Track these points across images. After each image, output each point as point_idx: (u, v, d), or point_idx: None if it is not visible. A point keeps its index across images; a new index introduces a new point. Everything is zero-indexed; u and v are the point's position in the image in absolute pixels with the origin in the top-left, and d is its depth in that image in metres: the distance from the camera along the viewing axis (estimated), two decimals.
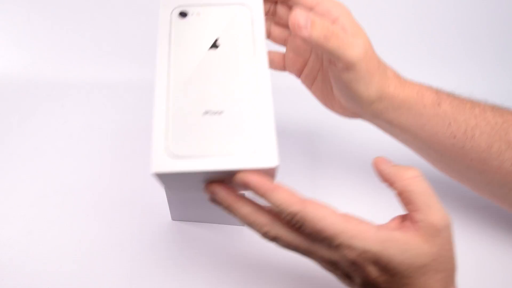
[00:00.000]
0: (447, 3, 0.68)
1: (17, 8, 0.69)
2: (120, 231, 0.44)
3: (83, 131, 0.58)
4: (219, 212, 0.43)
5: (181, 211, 0.44)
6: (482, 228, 0.46)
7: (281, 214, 0.27)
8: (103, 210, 0.46)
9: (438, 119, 0.36)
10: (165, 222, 0.45)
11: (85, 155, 0.54)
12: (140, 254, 0.41)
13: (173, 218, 0.45)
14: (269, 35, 0.39)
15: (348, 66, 0.32)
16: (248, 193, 0.30)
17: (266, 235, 0.28)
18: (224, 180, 0.28)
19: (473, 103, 0.37)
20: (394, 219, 0.29)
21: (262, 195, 0.27)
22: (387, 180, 0.29)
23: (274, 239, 0.28)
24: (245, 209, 0.28)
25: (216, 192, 0.28)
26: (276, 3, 0.37)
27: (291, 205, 0.26)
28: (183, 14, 0.33)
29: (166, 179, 0.28)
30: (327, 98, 0.40)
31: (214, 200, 0.29)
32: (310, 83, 0.40)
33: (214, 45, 0.31)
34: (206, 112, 0.28)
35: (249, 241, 0.43)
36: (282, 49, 0.39)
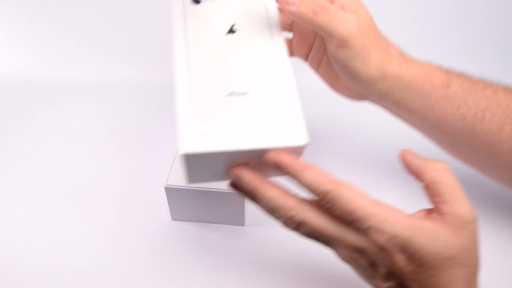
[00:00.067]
0: (446, 3, 0.68)
1: (18, 9, 0.69)
2: (120, 231, 0.44)
3: (83, 131, 0.58)
4: (219, 212, 0.43)
5: (181, 211, 0.44)
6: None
7: (312, 193, 0.26)
8: (103, 210, 0.46)
9: (447, 101, 0.35)
10: (165, 222, 0.45)
11: (85, 155, 0.54)
12: (140, 254, 0.41)
13: (173, 218, 0.45)
14: None
15: (342, 43, 0.32)
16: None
17: (292, 219, 0.27)
18: (248, 164, 0.28)
19: (484, 84, 0.36)
20: (420, 211, 0.28)
21: (293, 174, 0.27)
22: (414, 172, 0.28)
23: (299, 224, 0.27)
24: (273, 192, 0.27)
25: (241, 175, 0.28)
26: None
27: (324, 184, 0.26)
28: (196, 1, 0.34)
29: (194, 161, 0.27)
30: (332, 80, 0.39)
31: (237, 185, 0.29)
32: (316, 66, 0.40)
33: (231, 31, 0.32)
34: (231, 93, 0.29)
35: (249, 241, 0.43)
36: (288, 36, 0.39)
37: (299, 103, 0.29)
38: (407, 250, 0.25)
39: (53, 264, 0.40)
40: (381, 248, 0.26)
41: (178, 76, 0.29)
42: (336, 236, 0.27)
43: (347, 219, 0.26)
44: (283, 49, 0.32)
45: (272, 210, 0.28)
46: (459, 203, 0.26)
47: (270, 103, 0.28)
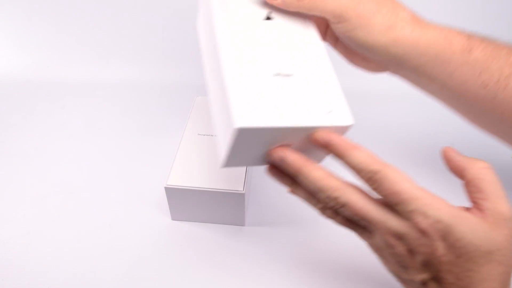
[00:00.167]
0: (446, 3, 0.68)
1: (18, 9, 0.69)
2: (120, 231, 0.44)
3: (83, 131, 0.58)
4: (219, 212, 0.43)
5: (181, 211, 0.44)
6: None
7: (359, 174, 0.27)
8: (103, 210, 0.46)
9: (467, 67, 0.34)
10: (165, 222, 0.45)
11: (85, 155, 0.54)
12: (140, 254, 0.41)
13: (173, 218, 0.45)
14: None
15: (337, 19, 0.33)
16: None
17: (336, 200, 0.27)
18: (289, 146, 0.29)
19: (510, 50, 0.35)
20: (459, 206, 0.27)
21: (341, 153, 0.27)
22: (456, 168, 0.28)
23: (342, 206, 0.27)
24: (318, 173, 0.27)
25: (286, 155, 0.28)
26: None
27: (373, 163, 0.26)
28: None
29: (243, 137, 0.27)
30: (349, 54, 0.40)
31: (278, 167, 0.29)
32: (334, 43, 0.40)
33: (268, 18, 0.34)
34: (277, 74, 0.30)
35: (249, 241, 0.43)
36: None
37: (339, 86, 0.30)
38: (448, 237, 0.25)
39: (53, 264, 0.40)
40: (423, 233, 0.25)
41: (222, 56, 0.30)
42: (378, 220, 0.27)
43: (392, 201, 0.26)
44: (316, 35, 0.34)
45: (316, 191, 0.28)
46: (500, 200, 0.26)
47: (314, 85, 0.30)
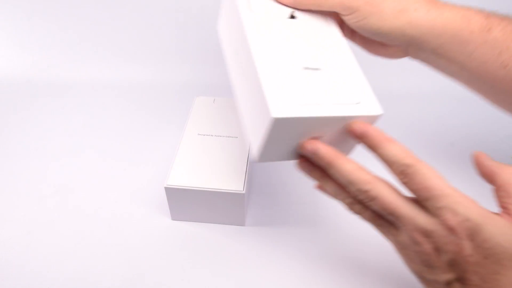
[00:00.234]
0: None
1: (18, 9, 0.69)
2: (120, 231, 0.43)
3: (83, 131, 0.58)
4: (219, 212, 0.43)
5: (181, 211, 0.44)
6: None
7: (391, 166, 0.27)
8: (103, 210, 0.46)
9: (486, 47, 0.34)
10: (165, 222, 0.45)
11: (85, 155, 0.54)
12: (140, 254, 0.41)
13: (173, 218, 0.45)
14: None
15: (347, 11, 0.33)
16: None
17: (367, 194, 0.27)
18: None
19: None
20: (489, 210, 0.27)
21: (376, 145, 0.27)
22: (487, 173, 0.28)
23: (372, 200, 0.27)
24: (350, 165, 0.28)
25: (318, 147, 0.28)
26: None
27: (407, 157, 0.26)
28: None
29: (279, 128, 0.28)
30: (367, 44, 0.40)
31: (310, 160, 0.29)
32: (351, 36, 0.40)
33: (292, 17, 0.36)
34: (307, 68, 0.31)
35: (249, 241, 0.43)
36: None
37: (365, 78, 0.32)
38: (476, 237, 0.25)
39: (53, 264, 0.40)
40: (451, 230, 0.25)
41: (253, 51, 0.31)
42: (407, 215, 0.26)
43: (423, 196, 0.26)
44: (338, 31, 0.36)
45: (347, 184, 0.28)
46: None
47: (341, 78, 0.31)
